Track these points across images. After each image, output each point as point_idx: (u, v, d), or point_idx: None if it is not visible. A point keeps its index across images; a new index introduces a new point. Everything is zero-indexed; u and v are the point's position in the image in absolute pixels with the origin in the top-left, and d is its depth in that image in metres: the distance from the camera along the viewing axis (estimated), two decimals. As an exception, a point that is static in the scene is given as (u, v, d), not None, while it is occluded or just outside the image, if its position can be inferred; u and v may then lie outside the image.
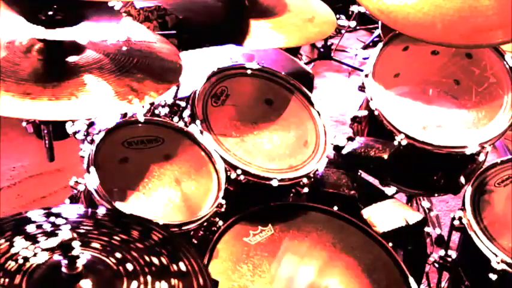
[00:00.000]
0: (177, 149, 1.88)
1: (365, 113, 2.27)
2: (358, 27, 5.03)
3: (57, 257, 1.17)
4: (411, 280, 1.76)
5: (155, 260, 1.26)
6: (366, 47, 4.90)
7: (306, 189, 2.00)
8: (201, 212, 1.73)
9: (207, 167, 1.85)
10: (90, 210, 1.41)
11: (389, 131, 2.12)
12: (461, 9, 1.91)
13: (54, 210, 1.35)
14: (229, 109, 2.04)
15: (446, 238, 2.14)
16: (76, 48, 1.66)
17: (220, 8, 2.12)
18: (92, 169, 1.64)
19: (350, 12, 4.66)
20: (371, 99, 2.17)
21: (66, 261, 1.13)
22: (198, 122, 1.90)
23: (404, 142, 2.08)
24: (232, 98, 2.06)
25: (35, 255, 1.20)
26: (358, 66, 4.60)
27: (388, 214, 2.05)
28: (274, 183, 1.89)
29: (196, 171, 1.86)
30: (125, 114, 1.91)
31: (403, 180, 2.29)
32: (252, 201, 1.91)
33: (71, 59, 1.63)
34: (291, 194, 2.03)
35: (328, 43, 4.59)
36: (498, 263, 1.79)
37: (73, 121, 1.86)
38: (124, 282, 1.19)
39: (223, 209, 1.78)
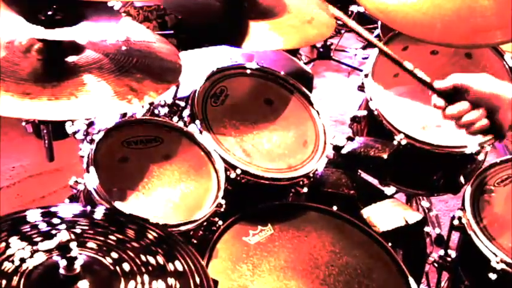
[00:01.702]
0: (177, 149, 1.88)
1: (364, 113, 2.27)
2: (357, 27, 5.02)
3: (54, 258, 1.17)
4: (411, 280, 1.76)
5: (151, 260, 1.26)
6: (365, 47, 4.89)
7: (305, 189, 2.00)
8: (200, 211, 1.73)
9: (207, 166, 1.85)
10: (89, 208, 1.41)
11: (388, 130, 2.12)
12: (460, 9, 1.91)
13: (49, 209, 1.35)
14: (228, 109, 2.04)
15: (445, 238, 2.14)
16: (75, 48, 1.66)
17: (219, 8, 2.11)
18: (92, 169, 1.64)
19: (349, 12, 4.66)
20: (370, 99, 2.18)
21: (64, 263, 1.13)
22: (197, 121, 1.90)
23: (403, 142, 2.08)
24: (232, 98, 2.07)
25: (31, 256, 1.20)
26: (358, 66, 4.60)
27: (388, 214, 2.05)
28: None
29: (196, 171, 1.86)
30: (124, 114, 1.91)
31: (402, 180, 2.29)
32: (252, 201, 1.91)
33: (71, 59, 1.62)
34: (291, 194, 2.04)
35: (328, 43, 4.59)
36: (498, 262, 1.80)
37: (72, 121, 1.86)
38: (121, 282, 1.19)
39: (222, 209, 1.78)
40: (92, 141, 1.75)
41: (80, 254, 1.16)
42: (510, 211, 1.94)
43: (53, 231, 1.26)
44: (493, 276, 1.81)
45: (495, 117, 1.42)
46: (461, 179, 2.21)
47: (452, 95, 1.46)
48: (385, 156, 2.07)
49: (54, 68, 1.59)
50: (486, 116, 1.43)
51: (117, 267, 1.22)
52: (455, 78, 1.47)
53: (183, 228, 1.64)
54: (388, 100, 2.19)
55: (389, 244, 1.87)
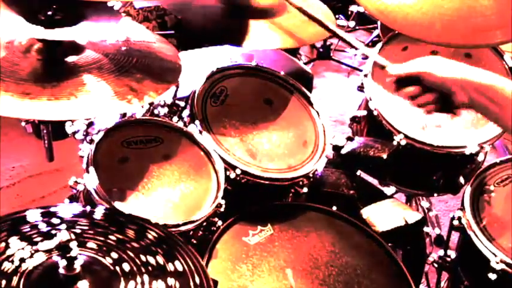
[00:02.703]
0: (177, 149, 1.88)
1: (364, 113, 2.27)
2: (357, 27, 5.02)
3: (54, 258, 1.17)
4: (410, 280, 1.76)
5: (151, 260, 1.26)
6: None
7: (305, 189, 2.00)
8: (200, 212, 1.73)
9: (207, 167, 1.85)
10: (88, 208, 1.41)
11: (388, 130, 2.12)
12: (460, 9, 1.91)
13: (49, 209, 1.35)
14: (228, 109, 2.04)
15: (445, 238, 2.14)
16: (75, 48, 1.66)
17: (219, 8, 2.11)
18: (91, 169, 1.64)
19: (349, 12, 4.66)
20: (370, 99, 2.18)
21: (64, 263, 1.13)
22: (197, 122, 1.90)
23: (403, 142, 2.09)
24: (232, 98, 2.06)
25: (31, 256, 1.20)
26: (357, 66, 4.60)
27: (387, 214, 2.05)
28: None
29: (196, 171, 1.86)
30: (124, 114, 1.91)
31: (402, 180, 2.30)
32: (251, 201, 1.91)
33: (70, 59, 1.63)
34: (290, 194, 2.03)
35: (328, 43, 4.59)
36: (497, 263, 1.80)
37: (72, 121, 1.86)
38: (121, 283, 1.19)
39: (222, 209, 1.78)
40: (91, 141, 1.75)
41: (80, 254, 1.16)
42: (510, 211, 1.94)
43: (53, 231, 1.26)
44: (492, 276, 1.81)
45: (451, 99, 1.47)
46: (461, 179, 2.21)
47: (407, 80, 1.53)
48: (384, 156, 2.07)
49: (54, 68, 1.59)
50: (438, 99, 1.50)
51: (117, 267, 1.22)
52: (409, 67, 1.53)
53: (182, 228, 1.64)
54: (387, 100, 2.19)
55: (389, 244, 1.87)
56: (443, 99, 1.49)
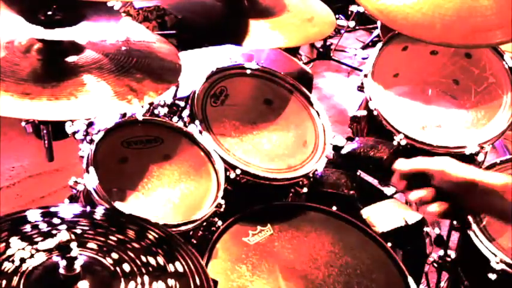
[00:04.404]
0: (177, 149, 1.88)
1: (364, 113, 2.27)
2: (357, 27, 5.03)
3: (54, 258, 1.17)
4: (410, 280, 1.76)
5: (152, 260, 1.26)
6: (365, 47, 4.89)
7: (305, 189, 2.00)
8: (200, 212, 1.73)
9: (206, 167, 1.85)
10: (88, 208, 1.41)
11: (388, 131, 2.12)
12: (460, 9, 1.91)
13: (49, 209, 1.35)
14: (228, 109, 2.04)
15: (445, 238, 2.14)
16: (75, 48, 1.66)
17: (219, 8, 2.12)
18: (91, 169, 1.63)
19: (349, 12, 4.66)
20: (370, 99, 2.18)
21: (64, 263, 1.13)
22: (197, 122, 1.90)
23: (403, 142, 2.08)
24: (232, 98, 2.07)
25: (31, 256, 1.20)
26: (358, 66, 4.60)
27: (388, 214, 2.05)
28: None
29: (196, 171, 1.86)
30: (124, 114, 1.91)
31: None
32: (251, 201, 1.91)
33: (70, 59, 1.62)
34: (290, 194, 2.03)
35: (328, 43, 4.59)
36: (497, 262, 1.80)
37: (72, 121, 1.86)
38: (121, 283, 1.19)
39: (222, 209, 1.78)
40: (91, 141, 1.75)
41: (80, 254, 1.16)
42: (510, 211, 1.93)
43: (53, 231, 1.26)
44: (492, 276, 1.81)
45: (459, 205, 1.37)
46: (461, 179, 2.21)
47: (415, 177, 1.41)
48: (384, 156, 2.07)
49: (54, 68, 1.59)
50: (449, 206, 1.37)
51: (118, 268, 1.22)
52: (417, 163, 1.42)
53: (182, 228, 1.64)
54: (387, 100, 2.20)
55: (389, 244, 1.87)
56: (454, 205, 1.37)
